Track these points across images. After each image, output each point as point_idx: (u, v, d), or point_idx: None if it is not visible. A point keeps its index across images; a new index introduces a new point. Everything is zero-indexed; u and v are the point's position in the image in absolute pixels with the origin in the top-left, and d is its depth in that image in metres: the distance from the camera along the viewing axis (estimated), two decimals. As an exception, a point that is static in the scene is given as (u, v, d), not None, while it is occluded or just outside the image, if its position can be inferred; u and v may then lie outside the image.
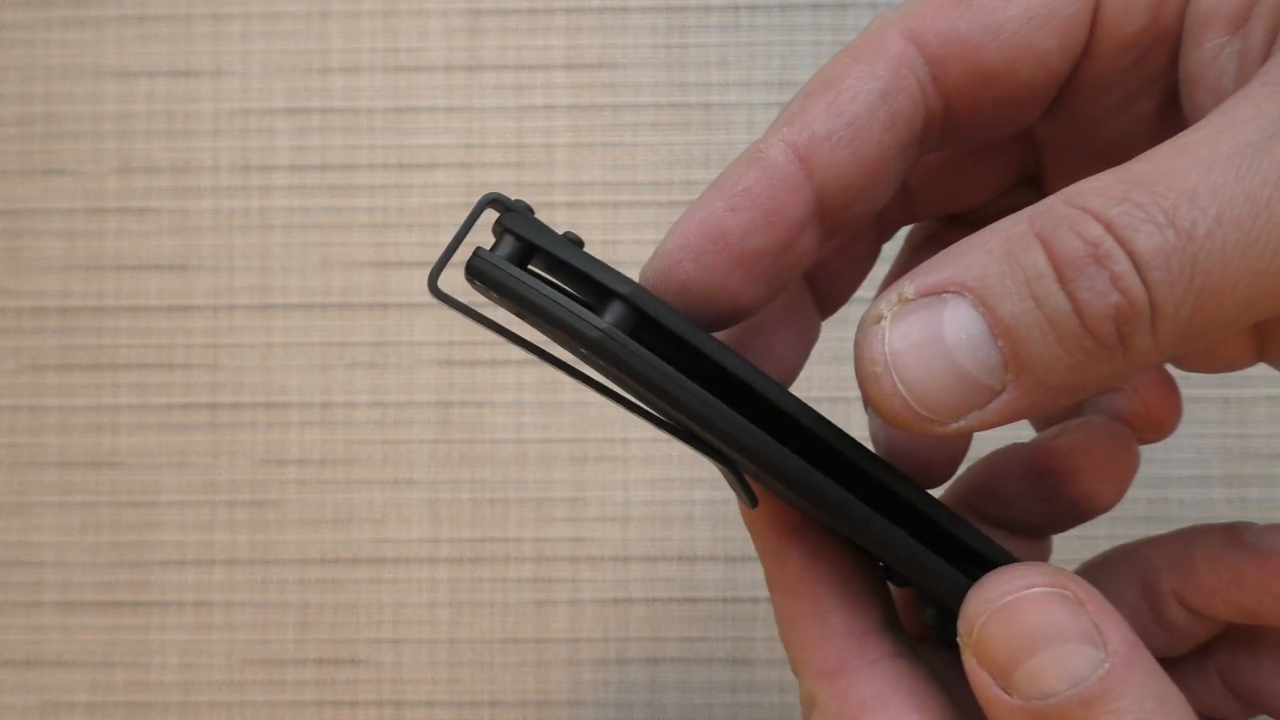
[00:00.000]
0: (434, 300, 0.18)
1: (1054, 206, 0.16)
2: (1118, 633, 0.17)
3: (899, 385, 0.17)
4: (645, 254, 0.20)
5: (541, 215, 0.19)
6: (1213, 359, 0.23)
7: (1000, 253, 0.16)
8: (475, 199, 0.37)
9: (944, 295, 0.16)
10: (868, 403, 0.17)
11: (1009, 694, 0.17)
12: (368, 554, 0.36)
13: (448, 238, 0.37)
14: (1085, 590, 0.18)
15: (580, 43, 0.37)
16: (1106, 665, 0.17)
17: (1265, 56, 0.17)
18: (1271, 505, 0.35)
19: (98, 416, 0.37)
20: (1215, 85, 0.18)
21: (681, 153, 0.37)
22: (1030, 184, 0.23)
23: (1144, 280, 0.15)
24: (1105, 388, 0.17)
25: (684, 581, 0.35)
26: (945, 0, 0.18)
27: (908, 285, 0.17)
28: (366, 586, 0.36)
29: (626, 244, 0.36)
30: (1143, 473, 0.24)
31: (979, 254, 0.16)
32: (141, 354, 0.37)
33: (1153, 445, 0.26)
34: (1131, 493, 0.25)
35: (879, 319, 0.17)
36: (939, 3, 0.18)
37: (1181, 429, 0.35)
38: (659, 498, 0.36)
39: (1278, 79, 0.16)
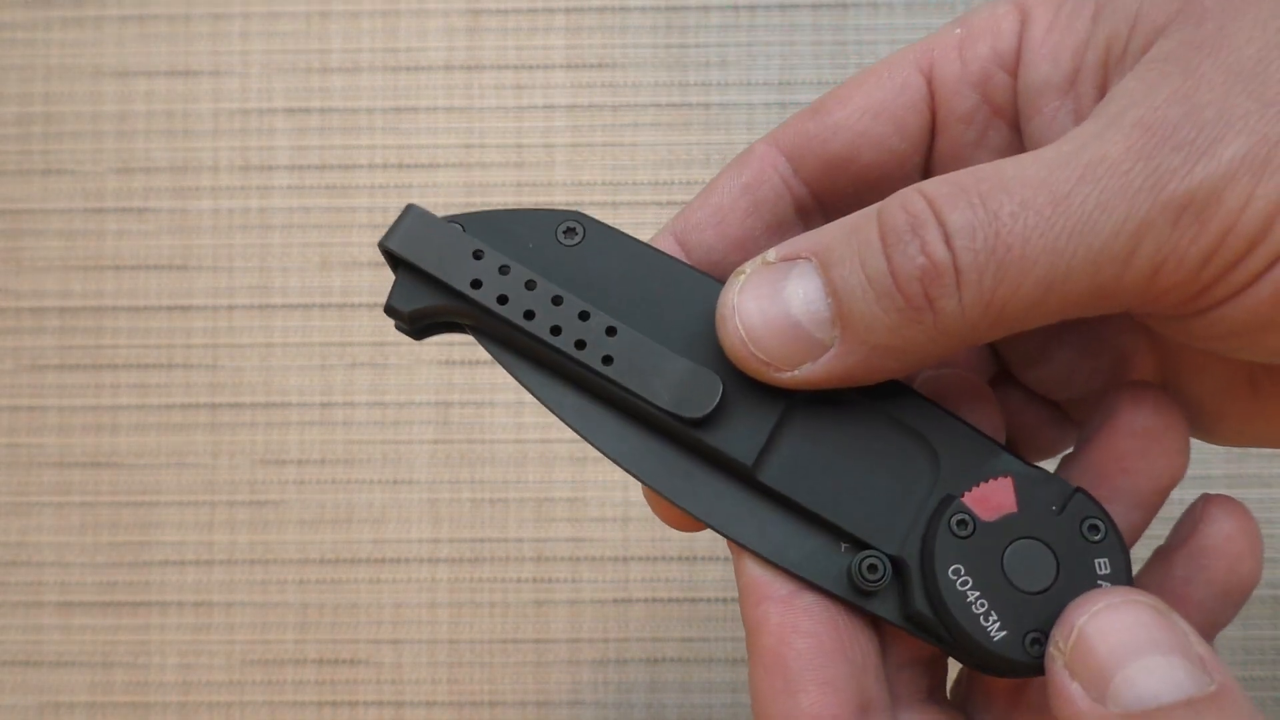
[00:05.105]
0: None
1: (900, 191, 0.19)
2: (1218, 661, 0.17)
3: (740, 329, 0.20)
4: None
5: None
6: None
7: (848, 226, 0.19)
8: (475, 199, 0.37)
9: (797, 260, 0.20)
10: (720, 344, 0.20)
11: (1102, 703, 0.17)
12: (368, 554, 0.36)
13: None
14: (1185, 621, 0.18)
15: (580, 43, 0.37)
16: (1213, 687, 0.17)
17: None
18: (1272, 505, 0.35)
19: (97, 416, 0.37)
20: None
21: (681, 153, 0.37)
22: None
23: (950, 247, 0.18)
24: (931, 356, 0.19)
25: (684, 581, 0.35)
26: (803, 113, 0.22)
27: (771, 251, 0.20)
28: (366, 586, 0.36)
29: (626, 244, 0.36)
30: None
31: (834, 228, 0.20)
32: (141, 354, 0.37)
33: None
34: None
35: (740, 273, 0.20)
36: (799, 116, 0.22)
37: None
38: (659, 498, 0.36)
39: (1099, 114, 0.19)
